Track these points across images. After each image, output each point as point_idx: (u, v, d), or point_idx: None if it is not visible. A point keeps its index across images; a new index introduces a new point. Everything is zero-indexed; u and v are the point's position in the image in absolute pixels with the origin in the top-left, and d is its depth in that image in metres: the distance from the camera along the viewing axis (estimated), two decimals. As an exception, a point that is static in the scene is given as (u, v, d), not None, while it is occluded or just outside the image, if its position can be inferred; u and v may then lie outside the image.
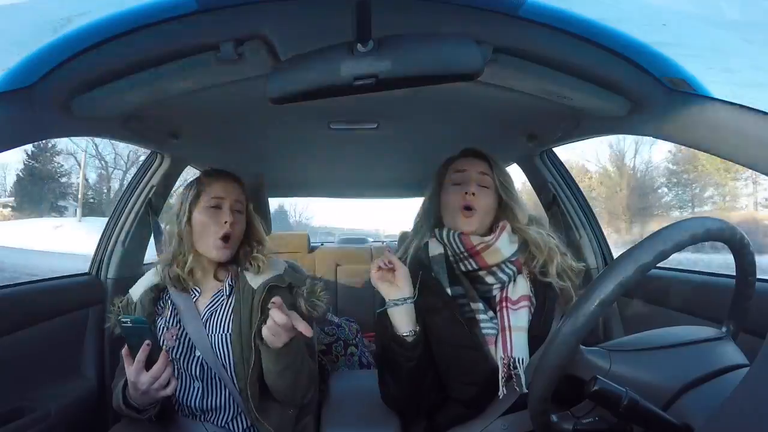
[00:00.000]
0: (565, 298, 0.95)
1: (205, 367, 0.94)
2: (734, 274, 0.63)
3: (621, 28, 0.70)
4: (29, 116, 0.77)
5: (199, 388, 0.94)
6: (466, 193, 0.96)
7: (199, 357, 0.94)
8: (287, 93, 0.66)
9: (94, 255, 1.43)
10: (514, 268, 0.94)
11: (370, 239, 3.24)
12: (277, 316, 0.80)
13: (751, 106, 0.65)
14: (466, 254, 0.94)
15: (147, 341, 0.82)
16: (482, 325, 0.90)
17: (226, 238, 0.96)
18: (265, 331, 0.84)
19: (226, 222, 0.96)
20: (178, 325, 0.97)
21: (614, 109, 0.87)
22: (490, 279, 0.94)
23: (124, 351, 0.83)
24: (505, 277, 0.93)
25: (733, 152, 0.70)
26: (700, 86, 0.73)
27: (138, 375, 0.81)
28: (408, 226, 2.42)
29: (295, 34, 0.73)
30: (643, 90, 0.80)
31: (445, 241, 0.97)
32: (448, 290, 0.93)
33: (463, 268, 0.95)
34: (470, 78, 0.65)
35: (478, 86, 0.84)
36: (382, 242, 2.77)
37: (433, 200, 1.04)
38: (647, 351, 0.59)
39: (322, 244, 2.58)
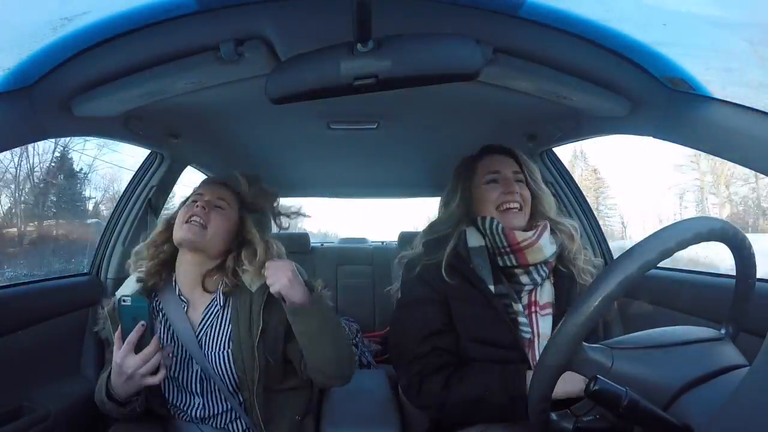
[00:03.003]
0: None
1: (204, 382, 0.90)
2: (734, 274, 0.63)
3: (621, 28, 0.70)
4: (29, 116, 0.77)
5: (200, 402, 0.91)
6: (510, 192, 0.94)
7: (197, 371, 0.90)
8: (287, 93, 0.66)
9: (94, 255, 1.43)
10: (547, 270, 0.93)
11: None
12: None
13: (751, 106, 0.65)
14: (508, 249, 0.91)
15: (142, 322, 0.79)
16: (522, 328, 0.87)
17: (190, 219, 0.92)
18: (274, 289, 0.84)
19: (197, 206, 0.93)
20: (173, 341, 0.92)
21: (614, 109, 0.87)
22: (524, 279, 0.91)
23: (117, 334, 0.80)
24: (538, 279, 0.91)
25: (733, 152, 0.70)
26: (700, 86, 0.73)
27: (125, 357, 0.78)
28: (397, 230, 2.41)
29: (295, 34, 0.73)
30: (643, 90, 0.80)
31: (487, 231, 0.92)
32: (491, 287, 0.89)
33: (500, 263, 0.92)
34: (470, 78, 0.65)
35: (478, 86, 0.84)
36: (382, 242, 2.77)
37: (463, 200, 0.98)
38: (650, 349, 0.59)
39: (322, 245, 2.57)
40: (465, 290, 0.89)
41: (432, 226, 1.02)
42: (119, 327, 0.81)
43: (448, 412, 0.86)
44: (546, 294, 0.91)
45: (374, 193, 2.66)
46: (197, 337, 0.92)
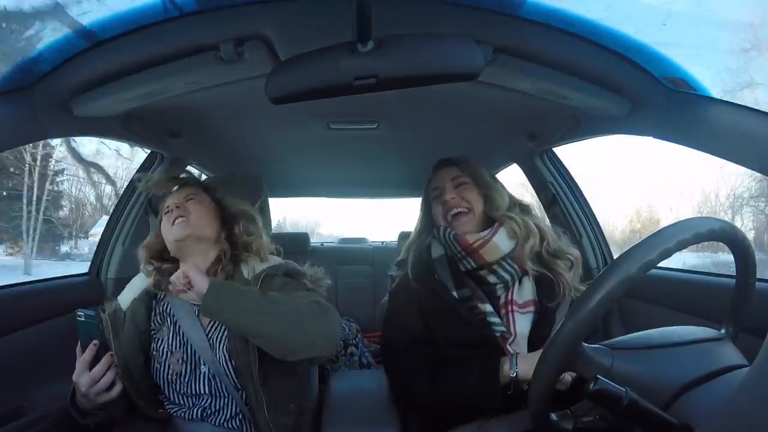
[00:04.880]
0: (565, 287, 0.92)
1: (213, 382, 0.88)
2: (734, 274, 0.63)
3: (621, 28, 0.70)
4: (29, 116, 0.77)
5: (208, 400, 0.89)
6: (450, 199, 0.96)
7: (205, 372, 0.88)
8: (287, 93, 0.66)
9: (94, 255, 1.43)
10: (516, 267, 0.93)
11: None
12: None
13: (751, 106, 0.65)
14: (463, 253, 0.93)
15: (95, 341, 0.78)
16: (494, 327, 0.89)
17: (174, 222, 0.92)
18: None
19: (172, 211, 0.93)
20: (182, 346, 0.89)
21: (614, 109, 0.87)
22: (492, 278, 0.93)
23: (78, 349, 0.80)
24: (507, 276, 0.92)
25: (732, 152, 0.69)
26: (700, 86, 0.73)
27: (80, 375, 0.78)
28: (395, 232, 2.41)
29: (295, 34, 0.73)
30: (643, 90, 0.80)
31: (442, 240, 0.97)
32: (454, 293, 0.92)
33: (462, 268, 0.95)
34: (470, 78, 0.65)
35: (478, 86, 0.84)
36: (382, 242, 2.77)
37: (426, 219, 1.06)
38: (649, 349, 0.59)
39: (322, 245, 2.57)
40: (432, 300, 0.93)
41: (408, 242, 1.07)
42: (78, 342, 0.81)
43: (435, 408, 0.91)
44: (526, 292, 0.92)
45: (374, 193, 2.66)
46: (207, 337, 0.90)
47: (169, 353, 0.88)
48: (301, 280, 0.96)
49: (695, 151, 0.75)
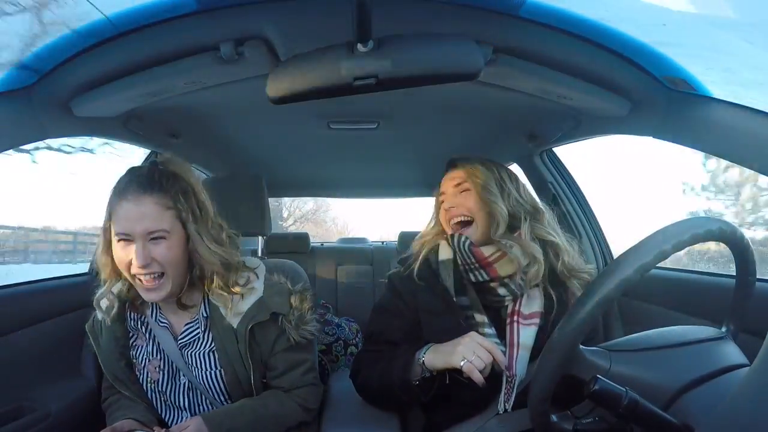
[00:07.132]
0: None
1: (191, 393, 0.88)
2: (734, 274, 0.63)
3: (621, 28, 0.70)
4: (29, 116, 0.77)
5: (186, 418, 0.86)
6: (450, 208, 0.94)
7: (185, 383, 0.87)
8: (287, 93, 0.66)
9: (94, 254, 1.43)
10: (525, 280, 0.90)
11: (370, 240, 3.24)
12: None
13: (751, 106, 0.65)
14: (477, 265, 0.90)
15: None
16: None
17: (144, 276, 0.77)
18: None
19: (132, 261, 0.76)
20: (160, 354, 0.88)
21: (614, 109, 0.87)
22: (502, 290, 0.90)
23: None
24: (517, 290, 0.90)
25: (733, 152, 0.70)
26: (700, 86, 0.73)
27: None
28: (395, 231, 2.40)
29: (295, 34, 0.73)
30: (643, 90, 0.80)
31: (456, 247, 0.93)
32: (454, 299, 0.91)
33: (473, 278, 0.92)
34: (470, 78, 0.65)
35: (478, 86, 0.84)
36: (382, 242, 2.77)
37: (437, 217, 1.02)
38: (647, 351, 0.59)
39: (321, 245, 2.57)
40: (431, 300, 0.93)
41: (420, 239, 1.04)
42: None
43: (372, 397, 0.98)
44: (534, 303, 0.89)
45: (374, 193, 2.66)
46: (181, 351, 0.87)
47: (146, 361, 0.88)
48: (287, 317, 0.89)
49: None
